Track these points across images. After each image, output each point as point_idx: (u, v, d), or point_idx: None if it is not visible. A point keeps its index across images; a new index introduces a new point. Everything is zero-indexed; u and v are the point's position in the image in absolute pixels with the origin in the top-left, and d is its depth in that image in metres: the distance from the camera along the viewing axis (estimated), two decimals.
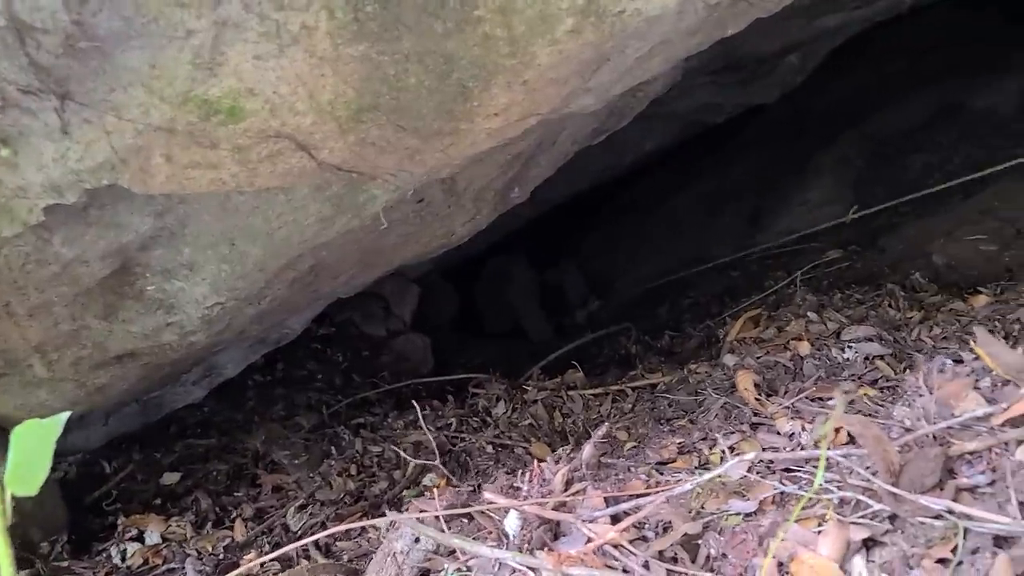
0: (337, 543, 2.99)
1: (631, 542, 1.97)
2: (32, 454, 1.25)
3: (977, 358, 2.24)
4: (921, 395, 2.19)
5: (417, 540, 2.24)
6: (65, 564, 3.08)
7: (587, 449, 2.55)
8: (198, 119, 1.90)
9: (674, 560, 1.88)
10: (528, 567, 1.91)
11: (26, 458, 1.24)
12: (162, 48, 1.73)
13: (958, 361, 2.36)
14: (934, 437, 1.90)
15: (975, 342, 2.27)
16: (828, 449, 2.05)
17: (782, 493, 2.02)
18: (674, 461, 2.59)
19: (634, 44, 2.32)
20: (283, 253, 2.75)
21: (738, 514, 1.99)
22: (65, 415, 1.30)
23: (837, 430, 2.17)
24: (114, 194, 2.17)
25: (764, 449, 2.38)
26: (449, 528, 2.35)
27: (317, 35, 1.79)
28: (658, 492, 2.10)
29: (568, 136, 3.67)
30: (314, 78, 1.90)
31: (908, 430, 2.01)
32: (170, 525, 3.29)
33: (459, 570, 2.06)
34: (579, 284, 8.34)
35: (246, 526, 3.31)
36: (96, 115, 1.83)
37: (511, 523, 2.10)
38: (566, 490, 2.29)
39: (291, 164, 2.17)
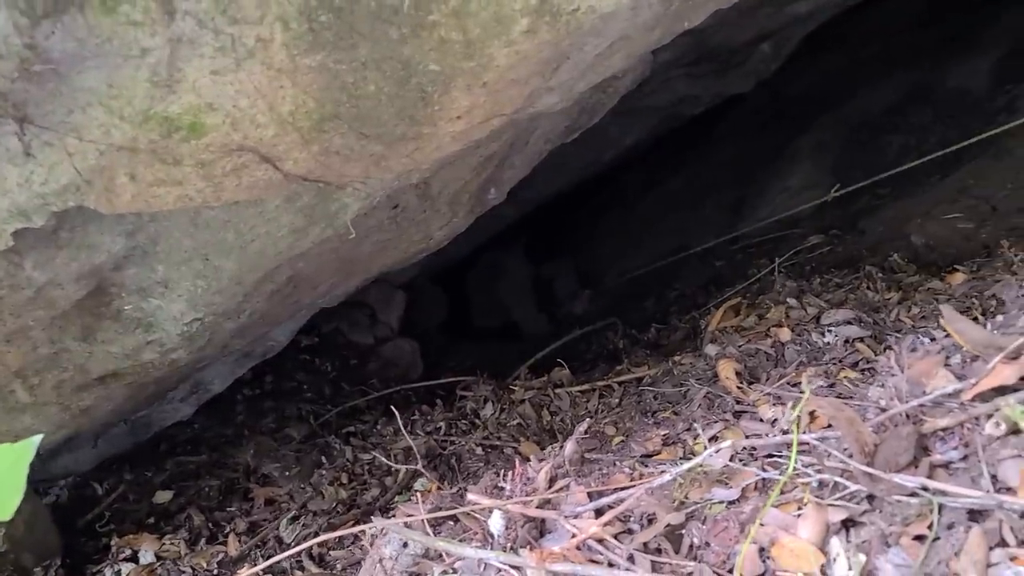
0: (330, 552, 3.00)
1: (617, 535, 1.98)
2: (5, 478, 1.25)
3: (948, 336, 2.25)
4: (893, 375, 2.20)
5: (405, 545, 2.24)
6: None
7: (569, 446, 2.55)
8: (160, 136, 1.90)
9: (658, 551, 1.89)
10: (512, 566, 1.91)
11: None
12: (118, 68, 1.72)
13: (931, 339, 2.37)
14: (907, 416, 1.91)
15: (942, 320, 2.28)
16: (806, 433, 2.06)
17: (764, 479, 2.02)
18: (659, 453, 2.60)
19: (592, 41, 2.32)
20: (259, 266, 2.75)
21: (721, 502, 2.00)
22: (38, 438, 1.29)
23: (813, 413, 2.18)
24: (83, 216, 2.16)
25: (747, 436, 2.39)
26: (438, 531, 2.36)
27: (273, 47, 1.79)
28: (640, 485, 2.10)
29: (541, 135, 3.68)
30: (273, 90, 1.90)
31: (882, 410, 2.02)
32: (164, 543, 3.29)
33: (445, 572, 2.07)
34: (571, 282, 8.36)
35: (239, 540, 3.31)
36: (57, 137, 1.82)
37: (495, 523, 2.11)
38: (550, 487, 2.30)
39: (257, 177, 2.17)
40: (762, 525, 1.79)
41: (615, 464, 2.53)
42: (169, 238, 2.43)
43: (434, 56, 1.98)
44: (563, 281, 8.41)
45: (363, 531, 2.71)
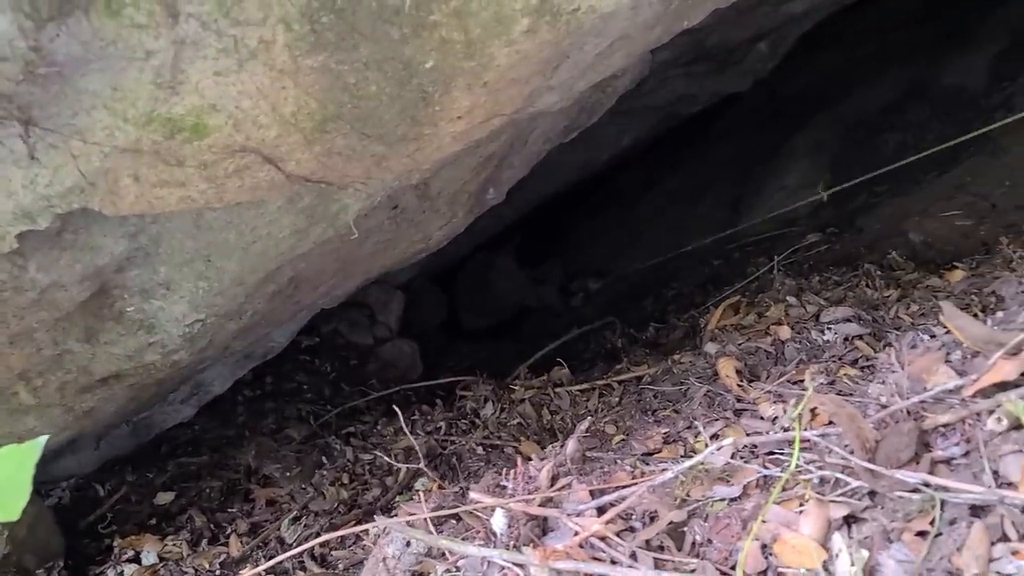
0: (332, 552, 3.01)
1: (619, 533, 1.98)
2: (11, 479, 1.25)
3: (948, 332, 2.26)
4: (894, 371, 2.21)
5: (408, 544, 2.25)
6: None
7: (571, 444, 2.56)
8: (163, 138, 1.90)
9: (660, 549, 1.89)
10: (515, 564, 1.92)
11: (5, 484, 1.24)
12: (123, 70, 1.73)
13: (931, 336, 2.38)
14: (908, 412, 1.92)
15: (943, 316, 2.29)
16: (807, 430, 2.07)
17: (765, 476, 2.03)
18: (660, 451, 2.60)
19: (592, 41, 2.33)
20: (260, 267, 2.75)
21: (723, 499, 2.01)
22: (43, 438, 1.29)
23: (814, 411, 2.18)
24: (86, 217, 2.17)
25: (748, 434, 2.40)
26: (440, 530, 2.36)
27: (275, 48, 1.80)
28: (641, 483, 2.11)
29: (540, 135, 3.68)
30: (275, 91, 1.90)
31: (884, 407, 2.03)
32: (166, 544, 3.29)
33: (448, 571, 2.07)
34: (560, 278, 8.37)
35: (241, 541, 3.32)
36: (61, 140, 1.83)
37: (498, 521, 2.11)
38: (552, 486, 2.30)
39: (259, 178, 2.18)
40: (764, 522, 1.79)
41: (616, 462, 2.53)
42: (171, 239, 2.44)
43: (435, 56, 1.99)
44: (550, 292, 8.42)
45: (366, 531, 2.71)
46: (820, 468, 1.90)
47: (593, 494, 2.19)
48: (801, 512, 1.78)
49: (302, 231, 2.66)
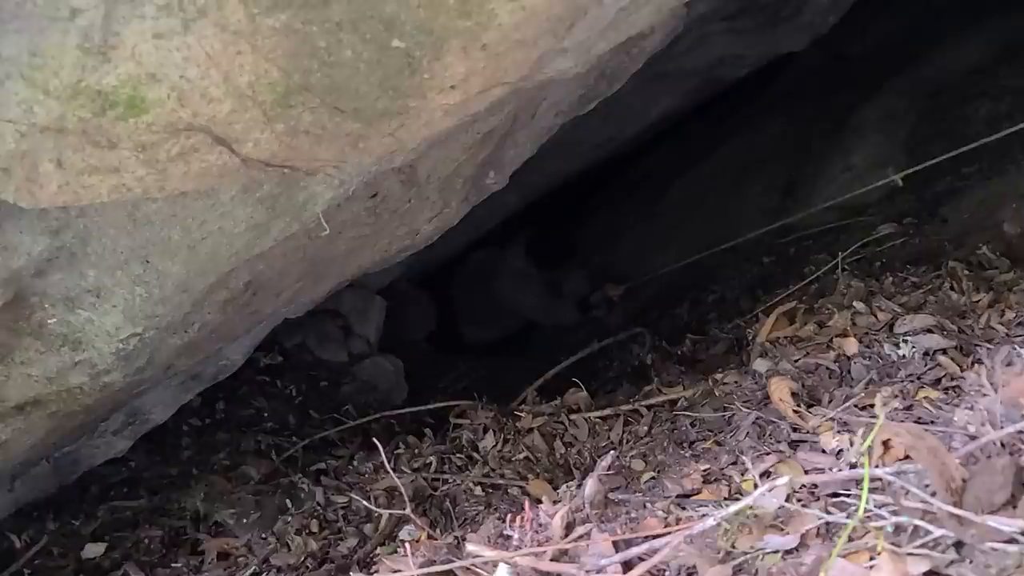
0: None
1: None
2: None
3: None
4: (985, 395, 2.21)
5: None
6: None
7: (590, 484, 2.56)
8: (92, 114, 1.91)
9: None
10: None
11: None
12: (42, 32, 1.74)
13: None
14: (1002, 444, 1.92)
15: None
16: (878, 467, 2.07)
17: (828, 523, 2.03)
18: (699, 492, 2.60)
19: None
20: (210, 269, 2.75)
21: (776, 552, 2.01)
22: None
23: (886, 443, 2.18)
24: None
25: (806, 471, 2.40)
26: None
27: (228, 5, 1.80)
28: (676, 531, 2.11)
29: (550, 107, 3.69)
30: (228, 57, 1.91)
31: (972, 437, 2.03)
32: None
33: None
34: (583, 287, 8.32)
35: None
36: None
37: None
38: (567, 535, 2.30)
39: (209, 162, 2.18)
40: None
41: (646, 506, 2.54)
42: (102, 237, 2.44)
43: (423, 14, 1.99)
44: (573, 287, 8.38)
45: None
46: (894, 513, 1.90)
47: (618, 545, 2.19)
48: (872, 567, 1.78)
49: (261, 226, 2.66)
